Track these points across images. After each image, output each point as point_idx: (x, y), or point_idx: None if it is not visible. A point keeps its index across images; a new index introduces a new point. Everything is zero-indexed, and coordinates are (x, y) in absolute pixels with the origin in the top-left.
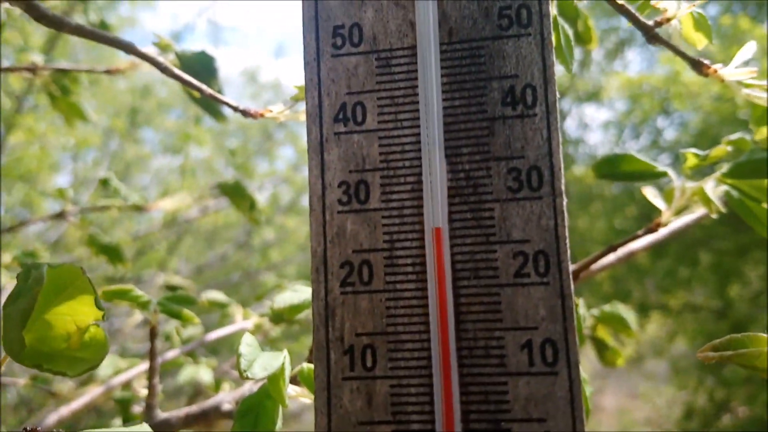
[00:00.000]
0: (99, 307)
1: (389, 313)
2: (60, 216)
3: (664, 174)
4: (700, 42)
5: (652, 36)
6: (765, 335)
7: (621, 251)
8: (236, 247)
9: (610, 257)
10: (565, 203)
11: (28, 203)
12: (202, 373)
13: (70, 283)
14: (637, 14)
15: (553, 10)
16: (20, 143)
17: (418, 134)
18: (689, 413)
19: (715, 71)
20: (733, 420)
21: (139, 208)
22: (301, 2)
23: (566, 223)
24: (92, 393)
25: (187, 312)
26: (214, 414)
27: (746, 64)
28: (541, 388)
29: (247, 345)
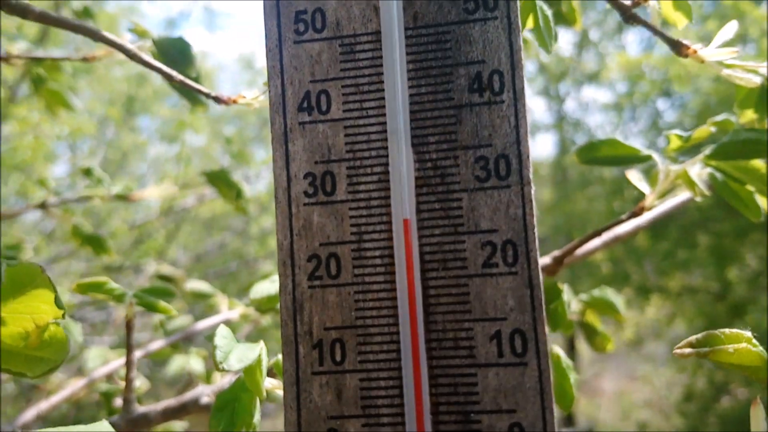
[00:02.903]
0: (59, 305)
1: (358, 306)
2: (41, 206)
3: (648, 158)
4: (680, 21)
5: (629, 16)
6: (742, 332)
7: (606, 236)
8: (234, 235)
9: (596, 242)
10: (533, 192)
11: (23, 193)
12: (193, 362)
13: (30, 281)
14: None
15: None
16: (15, 133)
17: (384, 123)
18: (688, 395)
19: (695, 52)
20: (732, 402)
21: (122, 198)
22: None
23: (534, 212)
24: (73, 386)
25: (163, 304)
26: (193, 407)
27: (729, 44)
28: (510, 379)
29: (223, 337)
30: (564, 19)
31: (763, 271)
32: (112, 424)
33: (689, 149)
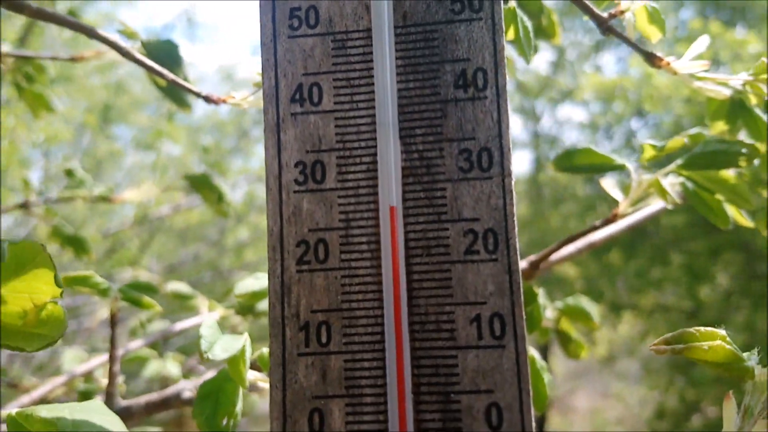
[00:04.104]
0: (58, 284)
1: (344, 290)
2: (24, 206)
3: (622, 167)
4: (654, 35)
5: (606, 28)
6: (717, 330)
7: (581, 242)
8: (209, 246)
9: (570, 248)
10: (513, 183)
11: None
12: (170, 366)
13: (31, 259)
14: (592, 6)
15: (512, 1)
16: None
17: (374, 115)
18: (660, 413)
19: (668, 63)
20: (702, 420)
21: (104, 199)
22: None
23: (514, 202)
24: (52, 383)
25: (147, 299)
26: (174, 401)
27: (700, 57)
28: (489, 361)
29: (208, 327)
30: (545, 32)
31: (735, 291)
32: None
33: (662, 160)
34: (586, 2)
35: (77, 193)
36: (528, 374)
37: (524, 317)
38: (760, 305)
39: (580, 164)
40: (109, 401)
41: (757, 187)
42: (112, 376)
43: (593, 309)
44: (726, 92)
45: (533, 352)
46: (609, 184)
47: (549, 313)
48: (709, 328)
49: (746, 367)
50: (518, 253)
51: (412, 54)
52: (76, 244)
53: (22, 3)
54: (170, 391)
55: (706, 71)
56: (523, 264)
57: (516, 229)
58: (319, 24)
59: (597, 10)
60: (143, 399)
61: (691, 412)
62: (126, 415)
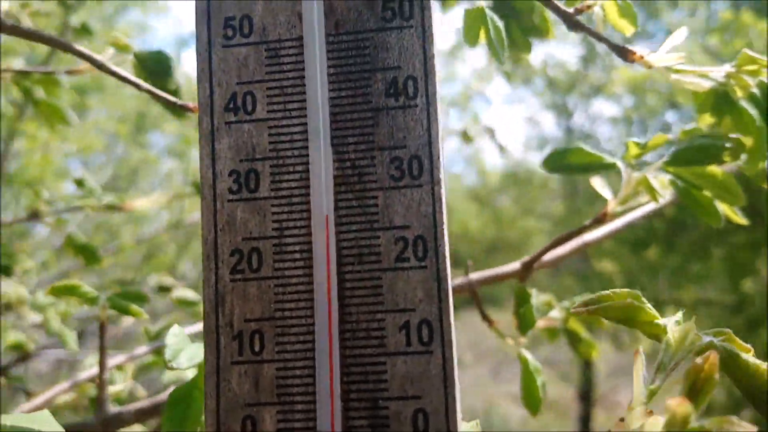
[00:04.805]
0: None
1: (277, 299)
2: (35, 216)
3: (613, 165)
4: (626, 29)
5: (573, 23)
6: (633, 291)
7: (575, 242)
8: None
9: (566, 247)
10: (443, 191)
11: (32, 209)
12: (189, 374)
13: None
14: (557, 2)
15: (483, 2)
16: (24, 150)
17: (306, 124)
18: (709, 409)
19: (641, 57)
20: (752, 415)
21: (113, 208)
22: None
23: (444, 209)
24: (56, 389)
25: (134, 308)
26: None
27: (677, 49)
28: (417, 367)
29: (174, 335)
30: (537, 30)
31: None
32: (87, 424)
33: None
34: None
35: (87, 202)
36: (454, 379)
37: (452, 323)
38: None
39: (572, 163)
40: (100, 408)
41: None
42: (101, 384)
43: None
44: (706, 84)
45: (526, 354)
46: (598, 183)
47: (556, 312)
48: (624, 290)
49: (658, 324)
50: (447, 260)
51: (344, 62)
52: (87, 253)
53: None
54: (161, 398)
55: (682, 63)
56: (516, 265)
57: (446, 236)
58: (253, 33)
59: (563, 6)
60: (134, 406)
61: (739, 407)
62: (117, 422)
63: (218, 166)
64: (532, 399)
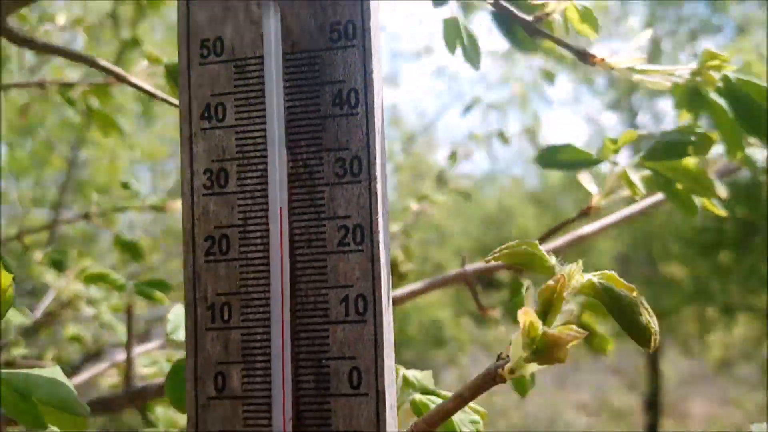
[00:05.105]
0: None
1: (241, 277)
2: (86, 217)
3: (598, 161)
4: (589, 33)
5: (533, 30)
6: (527, 240)
7: (570, 236)
8: None
9: (559, 242)
10: (379, 186)
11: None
12: None
13: None
14: (514, 9)
15: (455, 13)
16: (92, 158)
17: (266, 129)
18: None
19: (602, 60)
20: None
21: (156, 209)
22: (177, 20)
23: (380, 201)
24: (96, 368)
25: (158, 294)
26: None
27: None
28: (353, 333)
29: (175, 313)
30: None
31: None
32: (117, 396)
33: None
34: (512, 9)
35: (132, 204)
36: (383, 343)
37: (385, 297)
38: None
39: (562, 160)
40: (127, 383)
41: None
42: (129, 362)
43: None
44: (667, 83)
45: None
46: (585, 178)
47: (571, 306)
48: (522, 240)
49: (548, 266)
50: (381, 244)
51: (298, 77)
52: (133, 250)
53: (24, 37)
54: None
55: (643, 64)
56: None
57: (380, 224)
58: (224, 52)
59: (521, 14)
60: (157, 382)
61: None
62: (142, 395)
63: (195, 165)
64: (521, 383)
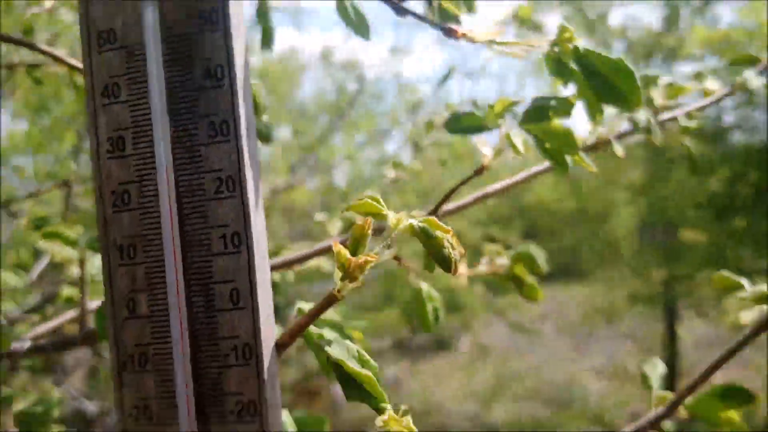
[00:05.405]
0: None
1: (141, 223)
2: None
3: (497, 125)
4: (459, 9)
5: (399, 9)
6: (370, 195)
7: (477, 193)
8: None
9: (468, 199)
10: (244, 144)
11: None
12: None
13: None
14: None
15: None
16: None
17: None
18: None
19: (464, 34)
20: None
21: None
22: (78, 17)
23: (246, 155)
24: (64, 317)
25: None
26: None
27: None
28: (231, 262)
29: None
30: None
31: None
32: (70, 338)
33: None
34: None
35: None
36: (255, 269)
37: (253, 233)
38: None
39: (465, 125)
40: (81, 326)
41: None
42: (83, 308)
43: (540, 255)
44: (523, 54)
45: (422, 284)
46: (480, 141)
47: (504, 260)
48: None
49: (383, 214)
50: (249, 190)
51: (175, 56)
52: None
53: None
54: None
55: (501, 35)
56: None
57: (248, 175)
58: (117, 41)
59: None
60: None
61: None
62: (92, 335)
63: (100, 135)
64: (424, 321)
